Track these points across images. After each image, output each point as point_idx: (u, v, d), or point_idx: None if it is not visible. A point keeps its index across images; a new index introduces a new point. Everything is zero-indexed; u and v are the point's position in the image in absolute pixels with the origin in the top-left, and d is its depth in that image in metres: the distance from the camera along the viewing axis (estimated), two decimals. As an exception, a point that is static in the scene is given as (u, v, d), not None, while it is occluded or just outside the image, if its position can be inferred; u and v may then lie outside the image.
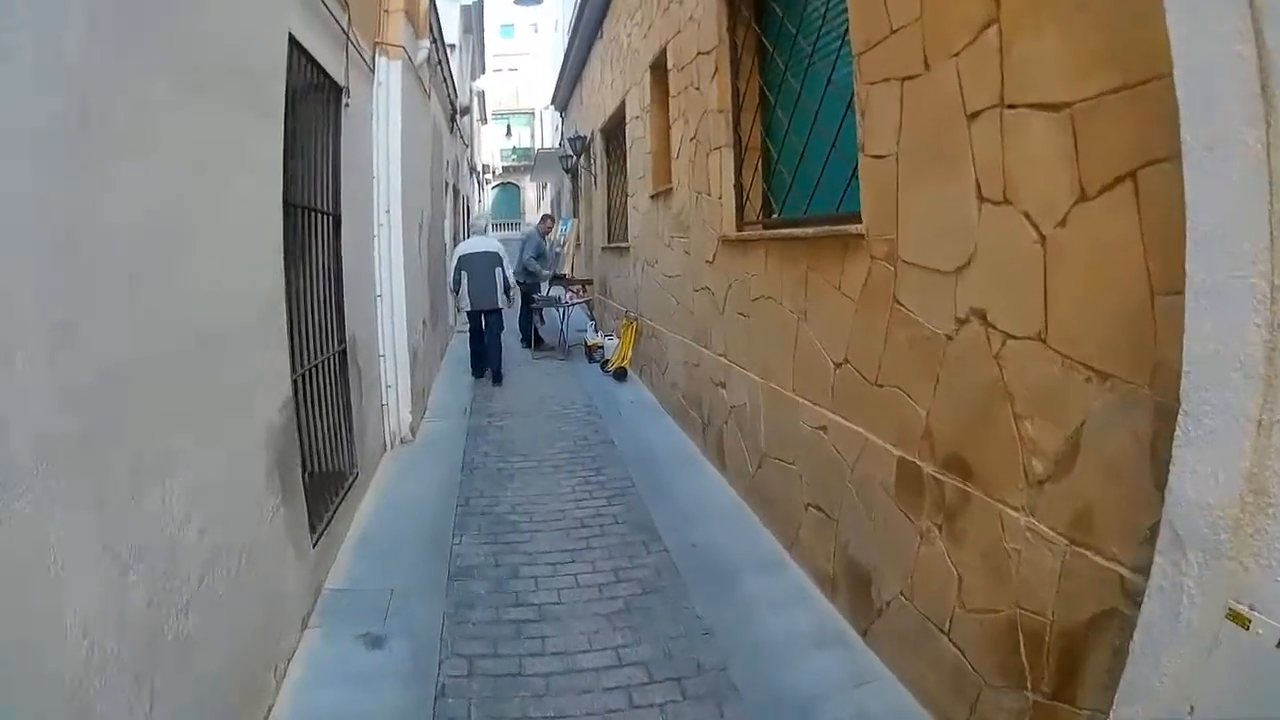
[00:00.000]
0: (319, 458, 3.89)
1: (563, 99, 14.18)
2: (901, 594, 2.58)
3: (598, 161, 10.03)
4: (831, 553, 3.16)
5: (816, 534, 3.32)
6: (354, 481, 4.24)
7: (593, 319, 10.68)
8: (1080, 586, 1.77)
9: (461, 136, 13.24)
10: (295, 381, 3.27)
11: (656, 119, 6.38)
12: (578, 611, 3.18)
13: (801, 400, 3.48)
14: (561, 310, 9.06)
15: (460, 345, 9.89)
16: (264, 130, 2.82)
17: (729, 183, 4.44)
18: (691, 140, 5.09)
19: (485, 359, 7.56)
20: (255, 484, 2.56)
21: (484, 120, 27.41)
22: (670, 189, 5.73)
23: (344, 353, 4.23)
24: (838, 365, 3.10)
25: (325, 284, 3.97)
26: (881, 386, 2.75)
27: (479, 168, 23.75)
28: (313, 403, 3.69)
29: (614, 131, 9.11)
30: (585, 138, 10.50)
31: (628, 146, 7.54)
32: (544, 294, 9.06)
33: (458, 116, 11.54)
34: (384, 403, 5.35)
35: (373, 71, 5.17)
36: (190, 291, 2.07)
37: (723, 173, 4.46)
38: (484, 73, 20.47)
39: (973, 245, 2.18)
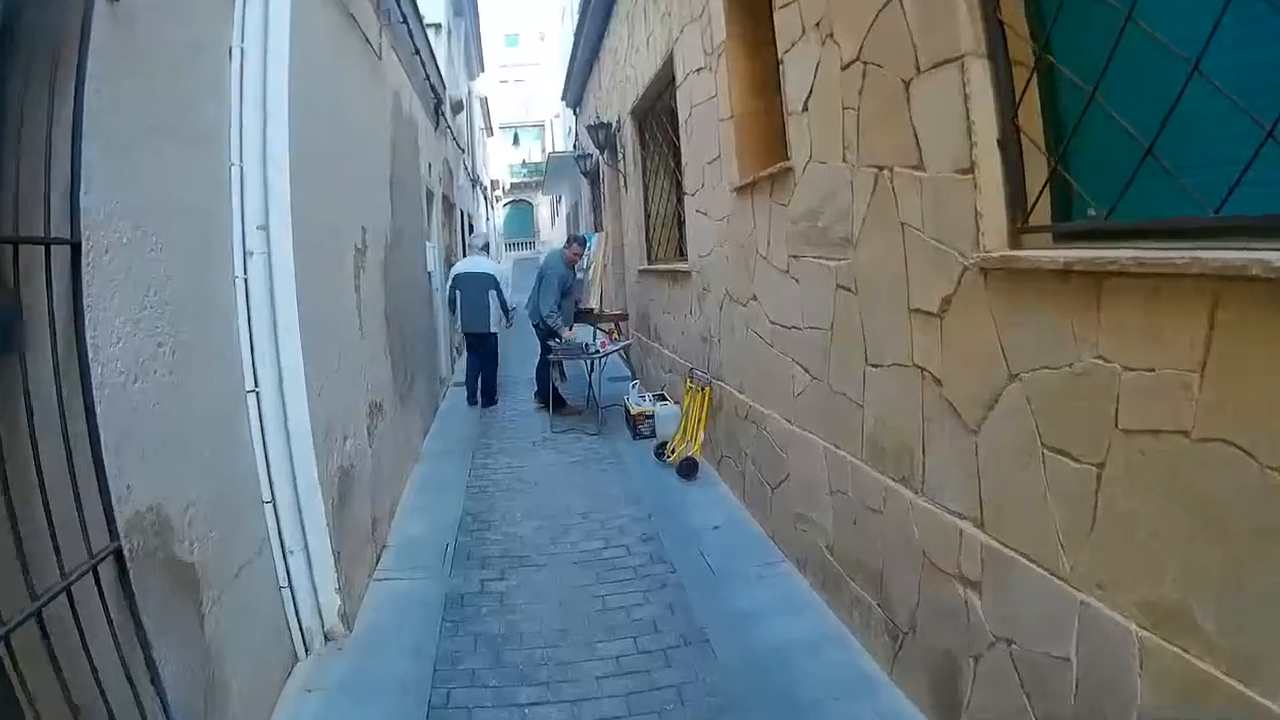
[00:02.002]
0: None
1: (576, 91, 11.74)
2: None
3: (629, 156, 7.53)
4: None
5: None
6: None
7: (631, 370, 8.14)
8: None
9: (455, 139, 10.82)
10: None
11: (740, 61, 3.86)
12: None
13: None
14: (591, 362, 6.52)
15: (455, 402, 7.55)
16: None
17: (988, 138, 1.92)
18: (848, 68, 2.58)
19: (480, 385, 7.32)
20: None
21: (490, 132, 25.16)
22: (785, 170, 3.20)
23: (119, 558, 1.77)
24: None
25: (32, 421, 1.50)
26: None
27: (485, 183, 21.42)
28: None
29: (652, 111, 6.62)
30: (610, 125, 8.01)
31: (683, 120, 5.02)
32: (564, 341, 6.49)
33: (445, 109, 9.11)
34: (283, 584, 2.87)
35: (228, -32, 2.71)
36: None
37: (972, 118, 1.95)
38: (483, 71, 18.14)
39: None
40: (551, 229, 32.08)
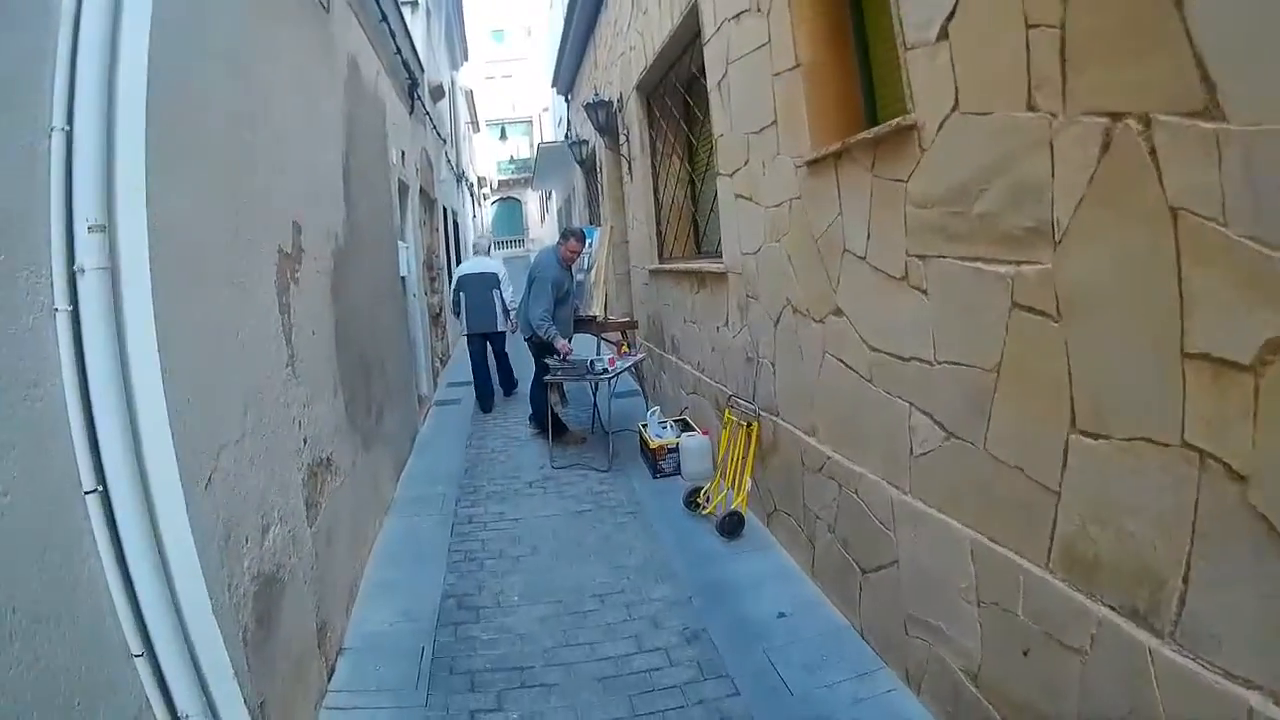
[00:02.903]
0: None
1: (568, 73, 10.67)
2: None
3: (634, 137, 6.51)
4: None
5: None
6: None
7: (640, 384, 7.12)
8: None
9: (435, 127, 9.76)
10: None
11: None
12: None
13: None
14: (596, 383, 5.48)
15: (438, 423, 6.70)
16: None
17: None
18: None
19: (489, 391, 7.11)
20: None
21: (476, 128, 23.98)
22: (904, 130, 2.19)
23: None
24: None
25: None
26: None
27: (472, 179, 20.27)
28: None
29: (664, 82, 5.59)
30: (611, 104, 6.98)
31: (714, 83, 3.99)
32: (563, 359, 5.41)
33: (422, 93, 8.07)
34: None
35: None
36: None
37: None
38: (467, 60, 17.01)
39: None
40: (541, 226, 31.09)
